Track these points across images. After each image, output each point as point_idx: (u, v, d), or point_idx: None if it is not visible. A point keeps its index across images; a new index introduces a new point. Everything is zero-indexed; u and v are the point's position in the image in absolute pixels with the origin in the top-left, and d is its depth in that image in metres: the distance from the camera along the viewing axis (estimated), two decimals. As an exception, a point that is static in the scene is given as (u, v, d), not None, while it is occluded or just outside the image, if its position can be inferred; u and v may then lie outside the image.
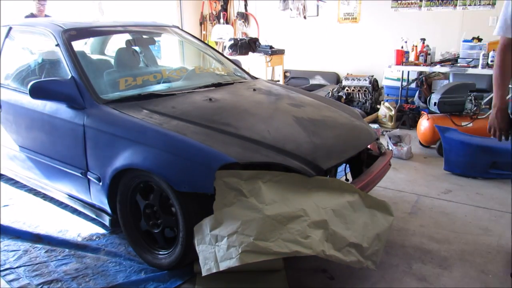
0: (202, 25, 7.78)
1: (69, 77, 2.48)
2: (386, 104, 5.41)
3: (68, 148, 2.51)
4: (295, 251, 1.79)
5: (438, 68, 5.15)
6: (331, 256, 1.85)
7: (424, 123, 4.37)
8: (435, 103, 4.21)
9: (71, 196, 2.70)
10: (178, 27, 3.74)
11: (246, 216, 1.81)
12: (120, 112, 2.29)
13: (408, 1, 5.97)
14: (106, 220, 2.45)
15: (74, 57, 2.57)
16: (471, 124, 4.14)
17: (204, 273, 1.85)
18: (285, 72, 6.76)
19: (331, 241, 1.89)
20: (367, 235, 2.02)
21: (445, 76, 5.55)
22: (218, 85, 2.93)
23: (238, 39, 6.41)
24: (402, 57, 5.32)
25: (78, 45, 2.82)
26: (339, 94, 5.87)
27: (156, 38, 3.71)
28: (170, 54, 5.59)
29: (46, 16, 4.73)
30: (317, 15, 6.86)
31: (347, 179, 2.79)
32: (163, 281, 2.16)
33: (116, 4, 6.21)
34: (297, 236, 1.80)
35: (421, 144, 4.51)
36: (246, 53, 6.26)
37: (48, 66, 2.93)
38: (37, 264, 2.36)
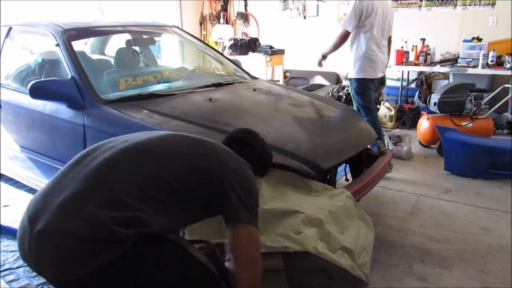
0: (202, 25, 7.77)
1: (69, 77, 2.48)
2: (386, 104, 5.41)
3: (68, 148, 2.51)
4: (285, 246, 1.78)
5: (438, 68, 5.16)
6: (324, 254, 1.85)
7: (424, 123, 4.37)
8: (435, 103, 4.21)
9: (71, 196, 2.69)
10: (178, 27, 3.74)
11: None
12: (120, 112, 2.29)
13: (408, 1, 5.97)
14: (106, 220, 2.44)
15: (74, 57, 2.57)
16: (471, 124, 4.14)
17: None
18: (285, 72, 6.76)
19: (325, 241, 1.89)
20: (358, 244, 2.04)
21: (445, 76, 5.55)
22: (218, 85, 2.93)
23: (238, 39, 6.41)
24: (402, 57, 5.32)
25: (78, 45, 2.82)
26: (339, 94, 5.87)
27: (156, 38, 3.71)
28: (170, 54, 5.59)
29: None
30: (317, 15, 6.85)
31: (347, 179, 2.79)
32: (163, 281, 2.15)
33: (116, 4, 6.21)
34: (289, 231, 1.80)
35: (421, 144, 4.51)
36: (246, 53, 6.26)
37: (48, 66, 2.93)
38: (37, 264, 2.36)
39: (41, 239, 1.17)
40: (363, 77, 3.59)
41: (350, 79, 3.73)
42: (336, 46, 3.67)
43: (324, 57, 3.83)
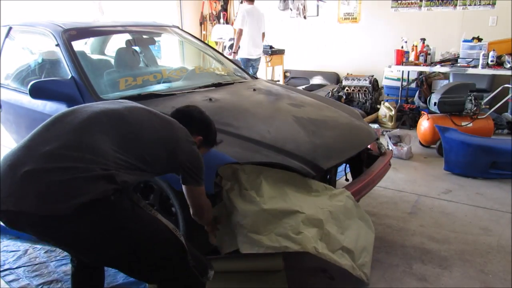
0: (202, 25, 7.77)
1: (69, 77, 2.48)
2: (386, 104, 5.41)
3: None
4: (284, 246, 1.79)
5: (438, 68, 5.15)
6: (324, 254, 1.85)
7: (424, 123, 4.37)
8: (435, 103, 4.21)
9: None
10: (178, 27, 3.74)
11: (244, 208, 1.83)
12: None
13: (408, 1, 5.97)
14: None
15: (74, 57, 2.57)
16: (471, 124, 4.14)
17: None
18: (285, 72, 6.76)
19: (325, 241, 1.89)
20: (359, 244, 2.04)
21: (445, 76, 5.55)
22: (218, 85, 2.93)
23: (238, 39, 6.40)
24: (402, 57, 5.32)
25: (78, 45, 2.82)
26: (339, 94, 5.87)
27: (156, 38, 3.71)
28: (170, 54, 5.59)
29: None
30: (317, 15, 6.85)
31: (347, 179, 2.79)
32: (163, 281, 2.16)
33: (116, 4, 6.21)
34: (289, 231, 1.81)
35: (421, 144, 4.51)
36: (246, 53, 6.26)
37: (48, 66, 2.93)
38: (36, 264, 2.36)
39: (28, 178, 1.28)
40: (245, 56, 5.49)
41: (241, 58, 5.45)
42: (238, 42, 5.49)
43: (235, 53, 5.54)
